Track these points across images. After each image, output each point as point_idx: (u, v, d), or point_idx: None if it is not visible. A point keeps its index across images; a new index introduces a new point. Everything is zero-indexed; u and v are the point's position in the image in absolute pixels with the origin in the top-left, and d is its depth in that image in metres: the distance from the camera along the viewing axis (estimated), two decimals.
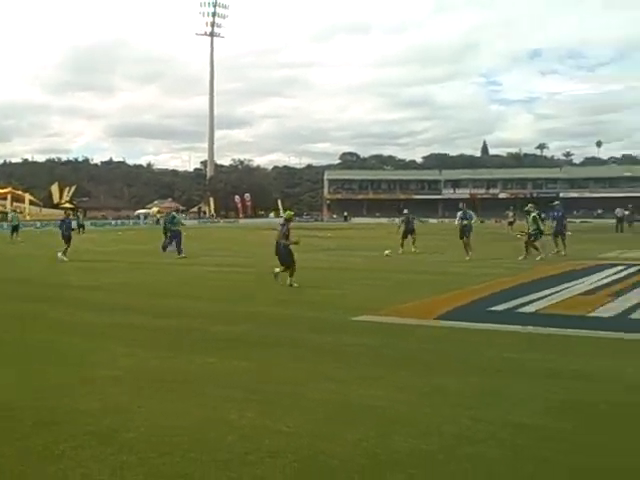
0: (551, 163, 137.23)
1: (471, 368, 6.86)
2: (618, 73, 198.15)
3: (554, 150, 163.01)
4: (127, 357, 7.42)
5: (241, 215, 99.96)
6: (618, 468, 4.29)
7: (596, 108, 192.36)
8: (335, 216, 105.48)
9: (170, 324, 9.61)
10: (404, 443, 4.63)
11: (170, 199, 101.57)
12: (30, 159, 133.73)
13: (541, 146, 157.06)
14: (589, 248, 25.23)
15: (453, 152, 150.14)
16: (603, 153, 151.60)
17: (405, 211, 26.90)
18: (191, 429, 4.95)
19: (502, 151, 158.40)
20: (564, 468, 4.27)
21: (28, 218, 66.57)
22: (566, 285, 13.86)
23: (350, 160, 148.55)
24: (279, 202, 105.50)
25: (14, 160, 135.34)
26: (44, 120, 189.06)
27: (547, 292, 12.66)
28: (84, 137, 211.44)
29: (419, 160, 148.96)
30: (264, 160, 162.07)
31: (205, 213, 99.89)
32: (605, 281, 14.86)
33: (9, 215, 40.76)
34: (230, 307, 11.41)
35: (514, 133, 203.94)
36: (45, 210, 77.03)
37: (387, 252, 23.22)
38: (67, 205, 71.76)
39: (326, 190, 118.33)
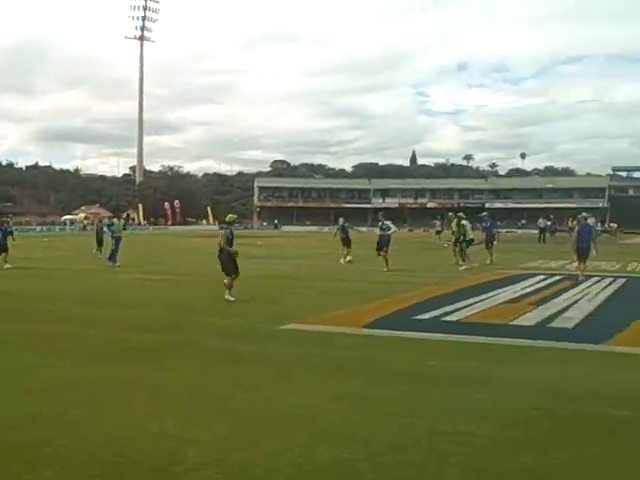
0: (477, 174, 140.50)
1: (398, 376, 6.93)
2: (541, 87, 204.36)
3: (480, 161, 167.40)
4: (45, 368, 7.24)
5: (169, 222, 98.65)
6: (545, 475, 4.39)
7: (520, 121, 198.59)
8: (265, 224, 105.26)
9: (93, 333, 9.39)
10: (330, 452, 4.64)
11: (97, 205, 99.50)
12: None
13: (467, 157, 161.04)
14: (513, 258, 25.88)
15: (382, 161, 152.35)
16: (527, 165, 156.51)
17: (341, 220, 26.06)
18: (113, 441, 4.86)
19: (430, 161, 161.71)
20: (489, 474, 4.36)
21: None
22: (490, 294, 14.17)
23: (281, 168, 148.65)
24: (209, 209, 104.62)
25: None
26: None
27: (471, 301, 12.92)
28: (8, 140, 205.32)
29: (349, 169, 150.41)
30: (194, 167, 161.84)
31: (134, 220, 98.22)
32: (527, 290, 15.26)
33: None
34: (156, 315, 11.24)
35: (442, 144, 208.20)
36: None
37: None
38: None
39: (256, 198, 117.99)
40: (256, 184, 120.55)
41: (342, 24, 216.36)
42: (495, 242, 25.11)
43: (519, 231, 74.95)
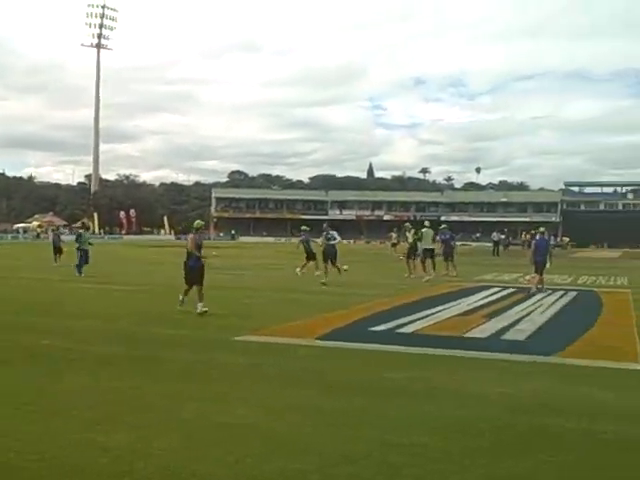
0: (433, 187, 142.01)
1: (351, 388, 6.93)
2: (497, 103, 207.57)
3: (436, 174, 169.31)
4: None
5: (123, 231, 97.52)
6: None
7: (476, 135, 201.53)
8: (222, 234, 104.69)
9: (42, 343, 9.21)
10: (280, 463, 4.61)
11: (51, 213, 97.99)
12: None
13: (424, 170, 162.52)
14: (468, 270, 26.14)
15: (340, 173, 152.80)
16: (482, 179, 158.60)
17: (303, 231, 25.49)
18: (61, 452, 4.77)
19: (387, 174, 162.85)
20: None
21: None
22: (445, 306, 14.29)
23: (238, 179, 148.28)
24: (165, 219, 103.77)
25: None
26: None
27: (426, 313, 13.01)
28: None
29: (306, 180, 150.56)
30: (151, 176, 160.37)
31: (89, 228, 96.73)
32: (481, 302, 15.44)
33: None
34: (106, 326, 11.07)
35: (399, 157, 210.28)
36: None
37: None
38: None
39: (213, 208, 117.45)
40: (213, 194, 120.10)
41: (302, 36, 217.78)
42: (454, 255, 25.43)
43: (474, 244, 75.78)
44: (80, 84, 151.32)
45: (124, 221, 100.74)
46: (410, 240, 23.79)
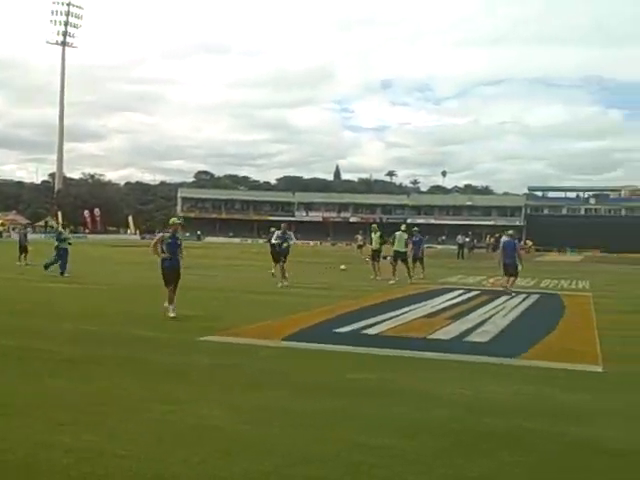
0: (399, 190, 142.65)
1: (316, 389, 6.94)
2: (463, 107, 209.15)
3: (402, 177, 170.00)
4: None
5: (87, 230, 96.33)
6: None
7: (442, 139, 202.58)
8: (188, 235, 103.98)
9: (6, 344, 9.06)
10: (245, 465, 4.60)
11: (14, 211, 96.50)
12: None
13: (390, 173, 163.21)
14: (433, 273, 26.30)
15: (307, 175, 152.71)
16: (447, 182, 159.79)
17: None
18: (24, 453, 4.71)
19: (354, 176, 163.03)
20: None
21: None
22: (409, 308, 14.38)
23: (204, 179, 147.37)
24: (130, 218, 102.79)
25: None
26: None
27: (392, 314, 13.08)
28: None
29: (273, 182, 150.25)
30: (116, 175, 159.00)
31: (52, 228, 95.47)
32: (445, 305, 15.56)
33: None
34: (74, 326, 10.92)
35: (366, 159, 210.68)
36: None
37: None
38: None
39: (179, 208, 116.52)
40: (179, 194, 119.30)
41: (271, 37, 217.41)
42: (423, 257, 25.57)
43: (439, 247, 76.39)
44: (45, 82, 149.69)
45: (88, 220, 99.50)
46: (374, 244, 23.94)
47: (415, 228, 28.20)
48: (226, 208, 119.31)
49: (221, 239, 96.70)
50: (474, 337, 10.77)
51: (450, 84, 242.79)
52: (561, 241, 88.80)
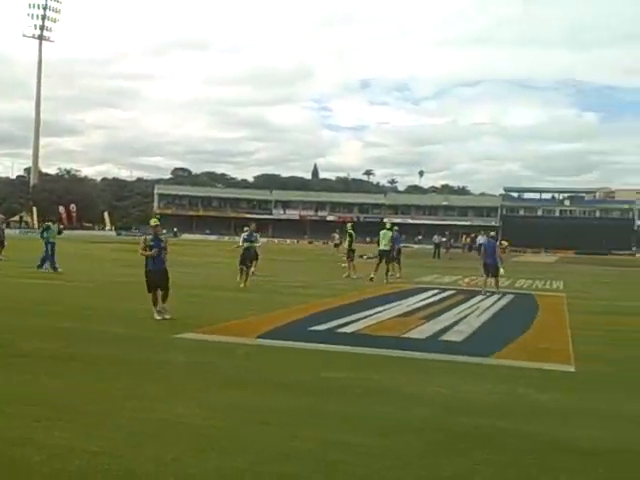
0: (377, 189, 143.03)
1: (291, 387, 6.93)
2: (440, 108, 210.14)
3: (380, 177, 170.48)
4: None
5: (61, 226, 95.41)
6: None
7: (419, 139, 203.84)
8: (165, 231, 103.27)
9: None
10: (217, 462, 4.59)
11: None
12: None
13: (368, 172, 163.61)
14: (409, 272, 26.38)
15: (285, 173, 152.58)
16: (424, 182, 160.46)
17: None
18: None
19: (332, 175, 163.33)
20: None
21: None
22: (385, 307, 14.41)
23: (182, 176, 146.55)
24: (106, 214, 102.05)
25: None
26: None
27: (367, 313, 13.10)
28: None
29: (251, 179, 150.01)
30: (93, 171, 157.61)
31: (27, 223, 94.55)
32: (421, 304, 15.62)
33: None
34: (47, 322, 10.84)
35: (344, 158, 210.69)
36: None
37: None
38: None
39: (156, 205, 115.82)
40: (156, 191, 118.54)
41: (250, 34, 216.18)
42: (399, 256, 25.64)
43: (415, 246, 76.55)
44: (21, 76, 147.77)
45: (64, 216, 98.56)
46: (345, 243, 24.06)
47: (395, 227, 28.31)
48: (203, 205, 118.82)
49: (197, 236, 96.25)
50: (449, 336, 10.82)
51: (429, 84, 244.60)
52: (536, 242, 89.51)
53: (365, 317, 12.57)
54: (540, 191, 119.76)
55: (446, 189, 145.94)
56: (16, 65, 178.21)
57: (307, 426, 5.53)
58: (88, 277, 20.45)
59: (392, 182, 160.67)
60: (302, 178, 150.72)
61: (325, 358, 8.68)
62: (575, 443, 5.33)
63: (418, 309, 14.52)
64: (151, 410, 5.83)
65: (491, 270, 18.96)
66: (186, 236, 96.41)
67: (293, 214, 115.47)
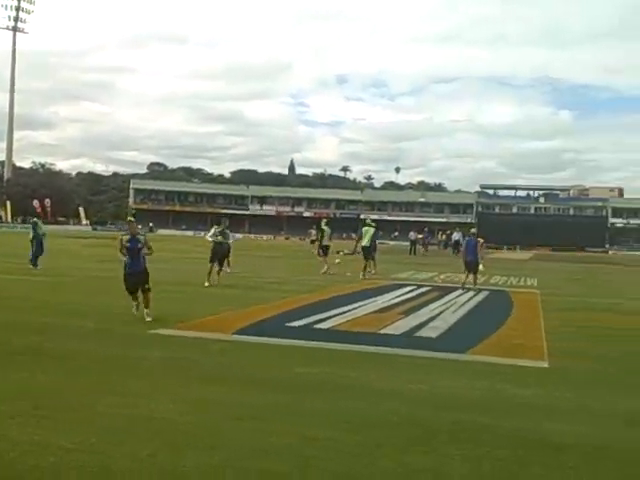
0: (353, 185, 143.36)
1: (266, 383, 6.93)
2: (417, 104, 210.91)
3: (356, 173, 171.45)
4: None
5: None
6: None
7: (396, 136, 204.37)
8: (140, 227, 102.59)
9: None
10: (194, 458, 4.58)
11: None
12: None
13: (344, 168, 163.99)
14: (385, 268, 26.47)
15: (261, 169, 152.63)
16: (401, 179, 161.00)
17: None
18: None
19: (308, 171, 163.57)
20: (354, 479, 4.43)
21: None
22: (361, 303, 14.45)
23: (158, 170, 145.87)
24: (81, 209, 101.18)
25: None
26: None
27: (343, 309, 13.13)
28: None
29: (227, 175, 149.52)
30: (68, 165, 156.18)
31: (1, 217, 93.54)
32: (397, 300, 15.69)
33: None
34: (21, 317, 10.75)
35: (320, 154, 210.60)
36: None
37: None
38: None
39: (132, 199, 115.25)
40: (132, 186, 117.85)
41: (228, 29, 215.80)
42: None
43: (391, 243, 76.85)
44: None
45: (38, 210, 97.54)
46: (324, 240, 24.08)
47: (374, 224, 28.35)
48: (179, 200, 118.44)
49: (174, 232, 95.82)
50: (424, 332, 10.88)
51: (405, 81, 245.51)
52: (511, 239, 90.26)
53: (342, 313, 12.60)
54: (515, 188, 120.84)
55: (422, 186, 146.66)
56: None
57: (284, 422, 5.54)
58: (66, 272, 20.28)
59: (369, 178, 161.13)
60: (279, 174, 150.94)
61: (301, 354, 8.70)
62: (549, 438, 5.39)
63: (394, 305, 14.58)
64: (127, 406, 5.81)
65: (472, 267, 19.13)
66: (162, 231, 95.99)
67: (270, 210, 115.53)
